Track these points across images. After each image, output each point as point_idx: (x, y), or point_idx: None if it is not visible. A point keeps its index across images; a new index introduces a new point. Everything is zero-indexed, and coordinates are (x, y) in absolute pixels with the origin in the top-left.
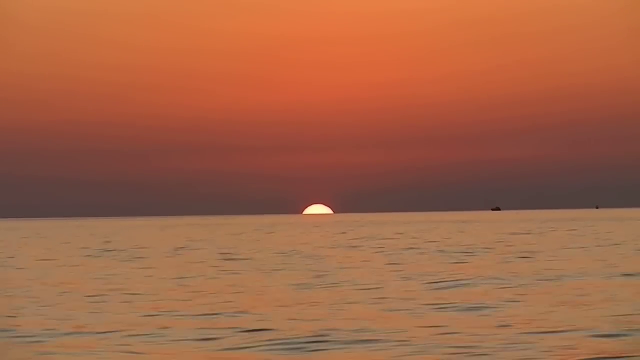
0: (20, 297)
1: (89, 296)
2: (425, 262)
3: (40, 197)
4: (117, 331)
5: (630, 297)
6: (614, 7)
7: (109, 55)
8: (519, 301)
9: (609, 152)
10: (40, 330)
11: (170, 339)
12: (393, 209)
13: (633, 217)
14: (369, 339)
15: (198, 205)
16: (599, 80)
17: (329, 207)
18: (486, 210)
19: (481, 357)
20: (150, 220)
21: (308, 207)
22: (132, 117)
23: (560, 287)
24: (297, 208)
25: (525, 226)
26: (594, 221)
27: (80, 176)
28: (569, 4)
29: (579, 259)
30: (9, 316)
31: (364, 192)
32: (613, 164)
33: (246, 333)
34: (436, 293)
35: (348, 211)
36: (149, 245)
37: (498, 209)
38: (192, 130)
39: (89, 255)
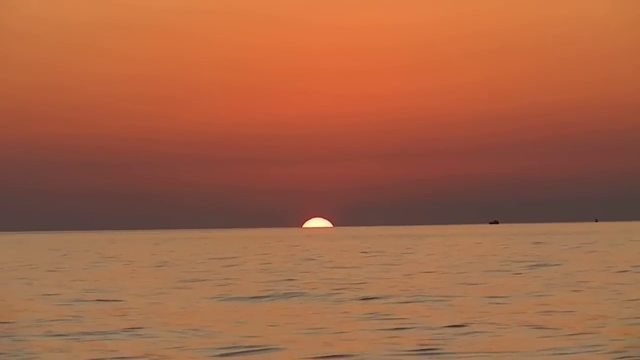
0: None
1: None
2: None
3: (33, 211)
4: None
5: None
6: (613, 20)
7: (106, 67)
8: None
9: (609, 165)
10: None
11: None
12: (392, 222)
13: (630, 230)
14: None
15: (195, 218)
16: (598, 93)
17: (329, 220)
18: (484, 224)
19: None
20: (148, 234)
21: (308, 221)
22: (133, 130)
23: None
24: (296, 221)
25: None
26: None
27: (75, 189)
28: (567, 16)
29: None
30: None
31: (364, 205)
32: (613, 177)
33: None
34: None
35: (348, 225)
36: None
37: (496, 222)
38: (189, 142)
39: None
